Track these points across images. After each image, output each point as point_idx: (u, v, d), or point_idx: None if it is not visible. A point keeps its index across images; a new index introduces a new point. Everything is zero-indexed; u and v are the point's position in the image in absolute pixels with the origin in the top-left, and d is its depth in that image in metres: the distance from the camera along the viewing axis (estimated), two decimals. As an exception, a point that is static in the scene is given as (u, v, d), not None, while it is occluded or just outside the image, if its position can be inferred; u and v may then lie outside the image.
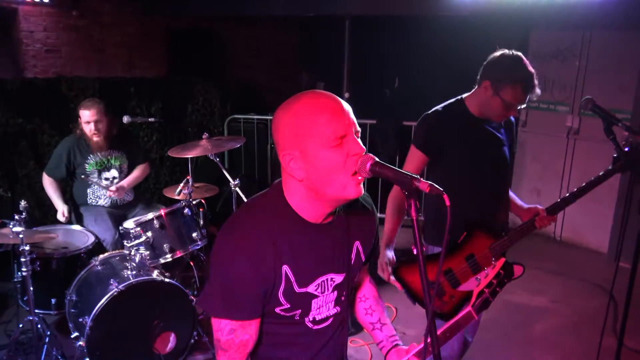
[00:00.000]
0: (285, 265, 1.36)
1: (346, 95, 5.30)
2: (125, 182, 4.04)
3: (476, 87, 2.39)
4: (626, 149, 2.27)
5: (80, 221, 3.95)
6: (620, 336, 2.33)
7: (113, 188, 3.92)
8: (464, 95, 2.45)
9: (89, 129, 3.86)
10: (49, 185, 3.99)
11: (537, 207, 2.51)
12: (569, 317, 4.20)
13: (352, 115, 1.32)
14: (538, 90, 2.26)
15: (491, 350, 3.63)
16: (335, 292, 1.48)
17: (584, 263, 5.21)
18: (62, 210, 3.86)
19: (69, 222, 3.84)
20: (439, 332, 1.56)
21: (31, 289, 3.08)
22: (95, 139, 3.88)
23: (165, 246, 3.40)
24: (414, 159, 2.44)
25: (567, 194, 2.44)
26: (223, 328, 1.39)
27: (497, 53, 2.33)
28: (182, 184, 3.69)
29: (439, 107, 2.47)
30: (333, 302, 1.49)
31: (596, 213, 5.40)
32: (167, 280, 3.19)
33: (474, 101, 2.39)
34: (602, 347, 2.62)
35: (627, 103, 5.06)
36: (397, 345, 1.64)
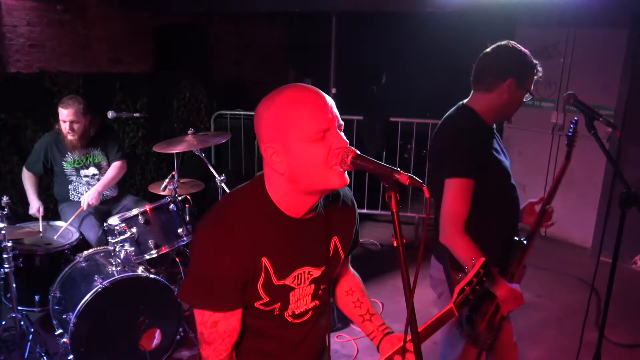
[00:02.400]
0: (264, 257, 1.37)
1: (333, 91, 5.29)
2: (96, 188, 3.88)
3: (485, 91, 2.19)
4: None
5: (62, 218, 3.91)
6: (601, 329, 2.35)
7: (84, 206, 3.76)
8: (466, 102, 2.26)
9: (64, 127, 3.80)
10: (27, 179, 3.95)
11: (531, 202, 2.46)
12: (553, 312, 4.24)
13: (334, 109, 1.31)
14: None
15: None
16: (313, 286, 1.49)
17: (568, 258, 5.27)
18: (37, 206, 3.80)
19: (44, 219, 3.77)
20: (421, 329, 1.57)
21: (14, 285, 3.06)
22: (69, 137, 3.83)
23: (151, 242, 3.39)
24: (464, 191, 2.08)
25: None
26: (206, 321, 1.39)
27: (492, 49, 2.20)
28: (167, 180, 3.67)
29: (456, 120, 2.23)
30: (310, 296, 1.50)
31: (580, 209, 5.47)
32: (152, 276, 3.18)
33: (485, 107, 2.19)
34: (585, 341, 2.65)
35: (611, 100, 5.12)
36: (388, 333, 1.65)
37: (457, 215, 2.09)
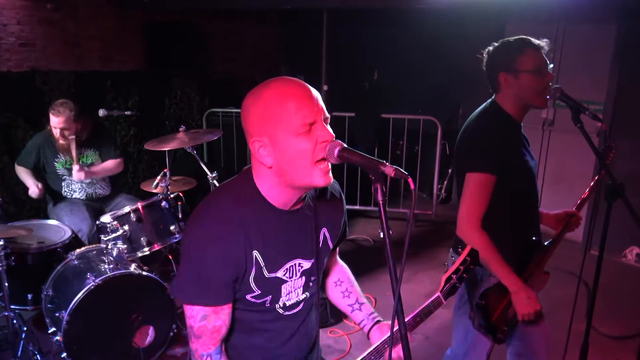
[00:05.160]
0: (255, 251, 1.38)
1: (325, 88, 5.30)
2: (91, 168, 3.93)
3: (497, 93, 2.21)
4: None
5: (55, 215, 3.91)
6: (588, 321, 2.38)
7: (75, 177, 3.82)
8: (494, 97, 2.23)
9: (55, 132, 3.81)
10: (22, 171, 3.98)
11: (566, 211, 2.48)
12: (544, 305, 4.26)
13: (321, 102, 1.33)
14: (542, 44, 2.11)
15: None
16: (304, 278, 1.50)
17: (559, 252, 5.25)
18: (34, 184, 3.83)
19: (46, 216, 3.78)
20: (409, 318, 1.59)
21: (6, 284, 3.06)
22: (61, 142, 3.84)
23: (143, 239, 3.39)
24: (486, 186, 2.08)
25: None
26: (196, 315, 1.40)
27: (484, 54, 2.21)
28: (159, 177, 3.68)
29: (482, 117, 2.21)
30: (302, 288, 1.51)
31: (570, 203, 5.48)
32: (144, 273, 3.19)
33: (507, 102, 2.18)
34: (575, 333, 2.69)
35: (600, 95, 5.17)
36: (378, 321, 1.68)
37: (474, 210, 2.10)
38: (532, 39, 2.13)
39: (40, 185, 3.84)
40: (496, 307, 2.21)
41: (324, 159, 1.31)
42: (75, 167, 3.80)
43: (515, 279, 2.13)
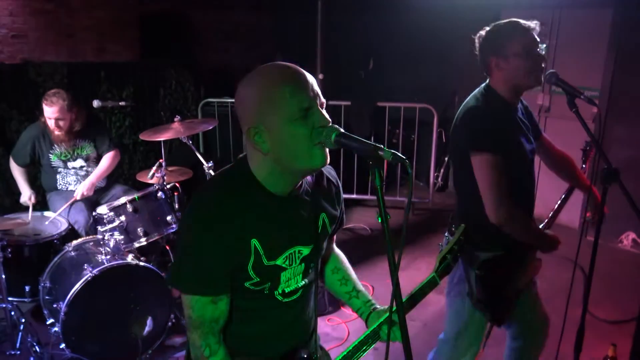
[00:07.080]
0: (253, 239, 1.36)
1: (320, 76, 5.28)
2: (90, 180, 3.91)
3: (489, 76, 2.22)
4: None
5: (50, 207, 3.89)
6: (584, 306, 2.40)
7: (78, 196, 3.80)
8: (488, 82, 2.24)
9: (50, 123, 3.79)
10: (16, 169, 3.96)
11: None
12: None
13: (316, 87, 1.31)
14: (533, 25, 2.12)
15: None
16: (303, 264, 1.49)
17: (555, 238, 5.32)
18: (28, 194, 3.81)
19: (35, 208, 3.76)
20: (404, 299, 1.59)
21: (3, 276, 3.06)
22: (56, 132, 3.82)
23: (140, 230, 3.39)
24: (499, 167, 2.07)
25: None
26: (194, 305, 1.38)
27: (475, 38, 2.23)
28: (154, 168, 3.66)
29: (476, 101, 2.20)
30: (301, 275, 1.50)
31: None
32: (142, 264, 3.19)
33: (500, 86, 2.19)
34: (572, 318, 2.70)
35: (596, 81, 5.16)
36: (375, 308, 1.67)
37: (500, 190, 2.08)
38: (522, 21, 2.14)
39: (33, 197, 3.81)
40: (496, 280, 2.23)
41: (320, 144, 1.29)
42: (79, 195, 3.79)
43: (549, 238, 2.40)
